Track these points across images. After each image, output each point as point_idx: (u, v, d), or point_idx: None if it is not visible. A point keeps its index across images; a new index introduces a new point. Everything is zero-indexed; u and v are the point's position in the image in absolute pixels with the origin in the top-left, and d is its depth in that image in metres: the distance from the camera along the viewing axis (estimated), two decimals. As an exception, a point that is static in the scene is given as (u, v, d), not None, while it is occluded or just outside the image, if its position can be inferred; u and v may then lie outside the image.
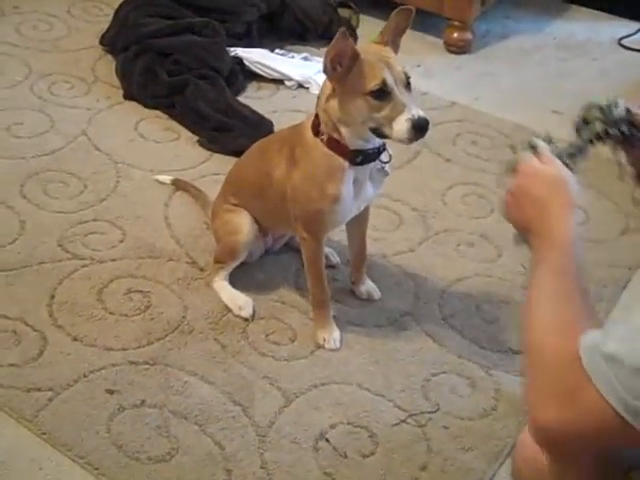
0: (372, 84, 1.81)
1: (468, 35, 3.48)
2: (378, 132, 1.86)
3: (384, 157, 2.00)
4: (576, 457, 1.24)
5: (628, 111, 1.45)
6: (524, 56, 3.52)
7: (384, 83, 1.81)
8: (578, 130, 1.47)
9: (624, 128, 1.45)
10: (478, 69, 3.42)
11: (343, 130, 1.91)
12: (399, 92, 1.82)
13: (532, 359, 1.19)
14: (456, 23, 3.45)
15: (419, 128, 1.79)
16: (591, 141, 1.46)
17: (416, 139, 1.83)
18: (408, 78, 1.85)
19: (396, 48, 1.92)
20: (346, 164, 1.95)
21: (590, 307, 1.24)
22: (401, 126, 1.80)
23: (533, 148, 1.43)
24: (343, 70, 1.84)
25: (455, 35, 3.46)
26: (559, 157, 1.42)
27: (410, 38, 3.55)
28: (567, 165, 1.41)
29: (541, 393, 1.15)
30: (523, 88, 3.29)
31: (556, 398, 1.11)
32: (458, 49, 3.48)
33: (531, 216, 1.33)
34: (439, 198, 2.67)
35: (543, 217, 1.30)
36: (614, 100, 1.46)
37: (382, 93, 1.81)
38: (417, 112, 1.80)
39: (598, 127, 1.45)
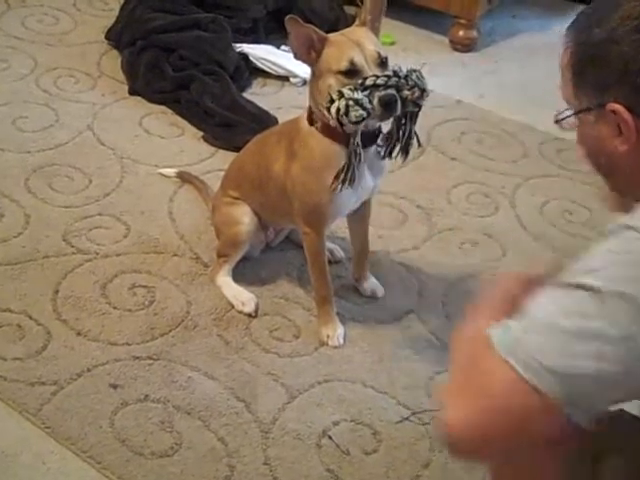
0: (341, 63, 1.85)
1: (474, 33, 3.48)
2: None
3: (380, 140, 2.01)
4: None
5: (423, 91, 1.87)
6: (530, 54, 3.51)
7: (352, 62, 1.84)
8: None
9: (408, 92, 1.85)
10: (484, 67, 3.41)
11: (327, 115, 1.88)
12: (370, 70, 1.84)
13: None
14: (462, 21, 3.45)
15: (385, 104, 1.82)
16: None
17: (387, 115, 1.86)
18: (382, 57, 1.87)
19: (375, 31, 1.94)
20: (343, 150, 1.94)
21: None
22: None
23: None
24: (316, 54, 1.88)
25: (461, 33, 3.46)
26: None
27: (416, 36, 3.61)
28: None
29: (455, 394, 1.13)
30: (528, 86, 3.28)
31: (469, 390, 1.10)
32: (464, 47, 3.48)
33: None
34: (444, 196, 2.67)
35: None
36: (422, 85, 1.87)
37: (352, 71, 1.85)
38: (385, 89, 1.82)
39: (392, 81, 1.83)
